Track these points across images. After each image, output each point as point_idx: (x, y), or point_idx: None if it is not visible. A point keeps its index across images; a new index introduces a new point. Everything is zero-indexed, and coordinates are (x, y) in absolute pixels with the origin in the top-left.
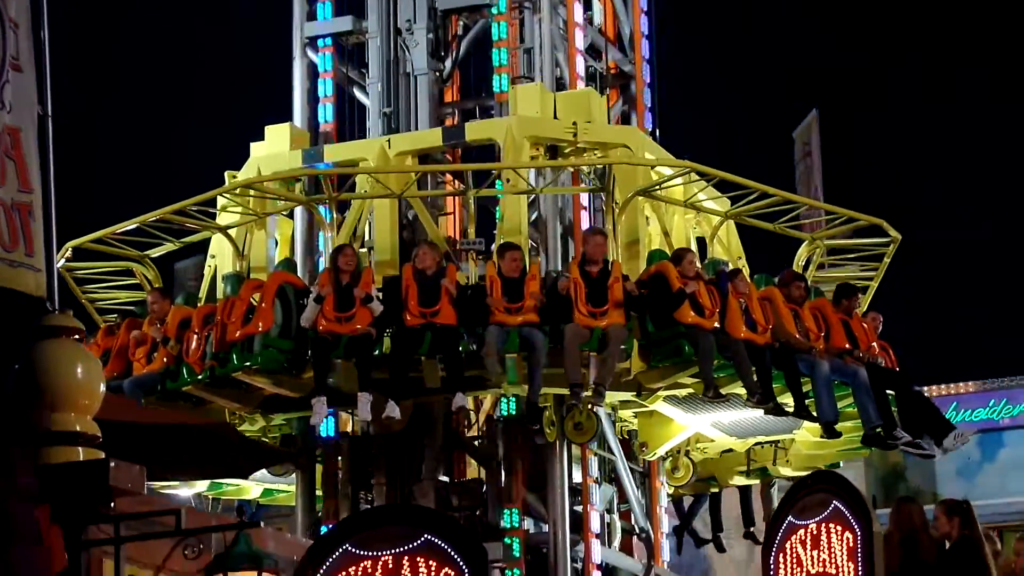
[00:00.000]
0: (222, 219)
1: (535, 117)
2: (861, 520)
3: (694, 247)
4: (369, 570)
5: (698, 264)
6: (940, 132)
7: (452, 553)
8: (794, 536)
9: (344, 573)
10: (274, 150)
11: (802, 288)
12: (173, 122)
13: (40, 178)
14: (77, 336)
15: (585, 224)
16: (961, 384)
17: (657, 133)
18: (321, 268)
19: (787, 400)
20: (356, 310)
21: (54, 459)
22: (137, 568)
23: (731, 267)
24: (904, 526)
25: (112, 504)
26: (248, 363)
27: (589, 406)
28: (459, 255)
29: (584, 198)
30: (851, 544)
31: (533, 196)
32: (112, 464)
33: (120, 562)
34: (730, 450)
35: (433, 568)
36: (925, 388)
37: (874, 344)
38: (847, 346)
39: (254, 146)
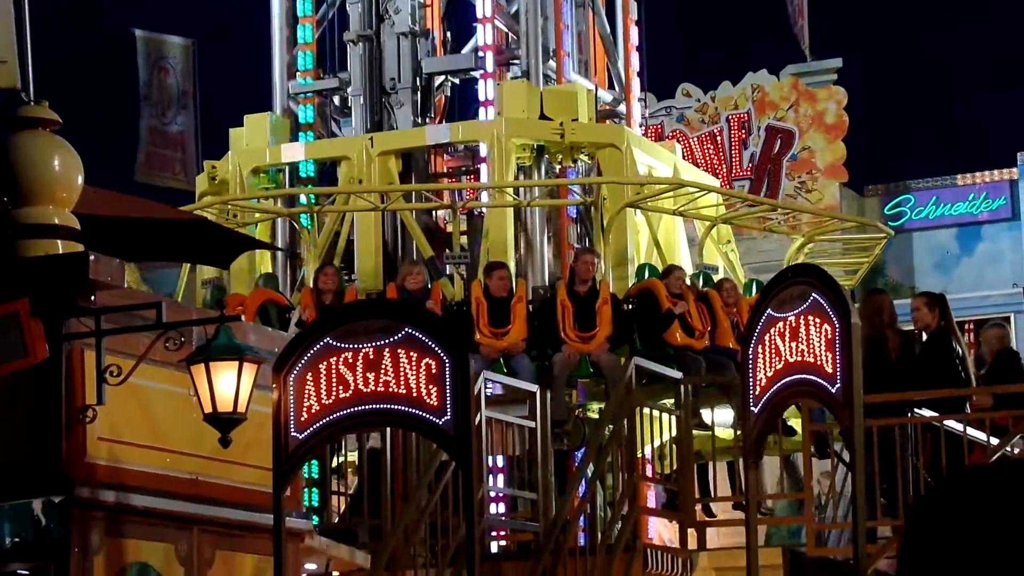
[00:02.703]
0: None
1: (521, 119)
2: (840, 312)
3: (683, 244)
4: (350, 360)
5: (687, 280)
6: None
7: (432, 345)
8: (773, 328)
9: (324, 363)
10: (253, 143)
11: None
12: None
13: None
14: (54, 127)
15: (572, 237)
16: (940, 178)
17: None
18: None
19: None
20: None
21: (33, 252)
22: (118, 359)
23: (719, 267)
24: (874, 320)
25: (93, 297)
26: None
27: (576, 414)
28: (445, 269)
29: (571, 210)
30: (829, 336)
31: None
32: (92, 257)
33: (101, 354)
34: None
35: (414, 359)
36: (904, 183)
37: None
38: None
39: (233, 134)
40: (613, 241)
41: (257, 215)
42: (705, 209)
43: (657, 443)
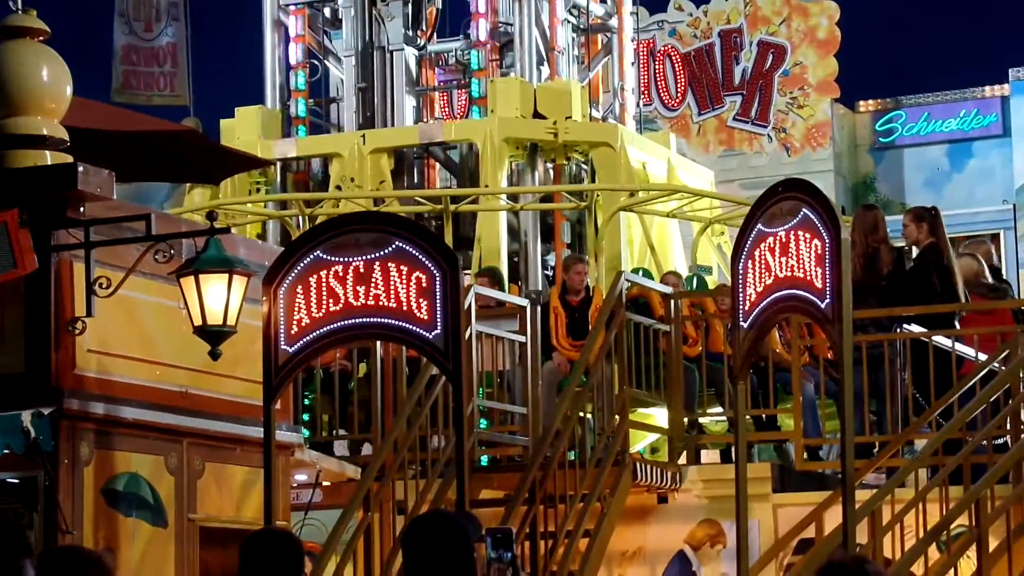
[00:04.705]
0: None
1: (514, 118)
2: (830, 227)
3: (678, 245)
4: (340, 274)
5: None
6: None
7: (423, 258)
8: (763, 244)
9: (315, 277)
10: (244, 138)
11: None
12: None
13: None
14: (42, 38)
15: (565, 235)
16: (932, 94)
17: None
18: None
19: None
20: None
21: (21, 163)
22: (107, 271)
23: (713, 268)
24: (869, 236)
25: (82, 208)
26: None
27: None
28: None
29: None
30: (819, 251)
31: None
32: (81, 168)
33: (90, 266)
34: None
35: (404, 273)
36: (895, 99)
37: None
38: (831, 356)
39: (224, 125)
40: (607, 245)
41: (249, 216)
42: (700, 211)
43: (647, 442)
